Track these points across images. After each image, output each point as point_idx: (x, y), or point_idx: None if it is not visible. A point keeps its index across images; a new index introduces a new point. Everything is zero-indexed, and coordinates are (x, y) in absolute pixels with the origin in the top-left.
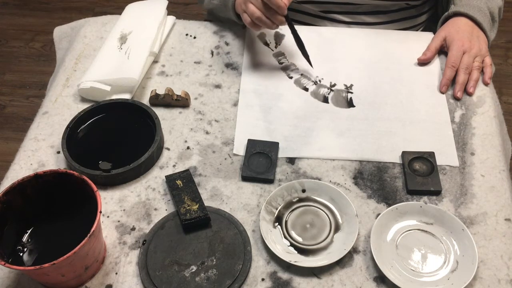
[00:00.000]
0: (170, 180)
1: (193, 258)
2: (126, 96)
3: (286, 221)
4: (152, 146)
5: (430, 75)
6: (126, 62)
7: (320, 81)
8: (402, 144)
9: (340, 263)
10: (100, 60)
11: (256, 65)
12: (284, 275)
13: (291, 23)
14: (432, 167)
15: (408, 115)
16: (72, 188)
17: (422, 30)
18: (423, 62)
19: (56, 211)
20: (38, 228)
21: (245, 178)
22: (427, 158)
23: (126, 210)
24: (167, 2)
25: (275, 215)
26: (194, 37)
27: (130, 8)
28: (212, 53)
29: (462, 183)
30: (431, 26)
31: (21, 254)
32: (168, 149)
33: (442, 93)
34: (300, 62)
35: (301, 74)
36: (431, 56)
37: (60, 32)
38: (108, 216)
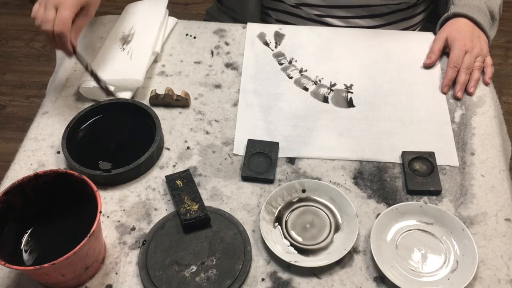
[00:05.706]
0: (170, 180)
1: (193, 258)
2: (127, 95)
3: (286, 221)
4: (152, 146)
5: (430, 75)
6: (129, 63)
7: (320, 81)
8: (402, 144)
9: (340, 263)
10: (103, 61)
11: (256, 65)
12: (284, 275)
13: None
14: (432, 167)
15: (408, 115)
16: (72, 188)
17: (419, 30)
18: (429, 66)
19: (56, 211)
20: (38, 228)
21: (245, 178)
22: (427, 158)
23: (126, 210)
24: (167, 1)
25: (275, 215)
26: (194, 37)
27: (130, 8)
28: (212, 53)
29: (462, 183)
30: (428, 26)
31: (21, 254)
32: (168, 149)
33: (444, 93)
34: (301, 61)
35: (301, 74)
36: (436, 59)
37: None
38: (108, 216)
